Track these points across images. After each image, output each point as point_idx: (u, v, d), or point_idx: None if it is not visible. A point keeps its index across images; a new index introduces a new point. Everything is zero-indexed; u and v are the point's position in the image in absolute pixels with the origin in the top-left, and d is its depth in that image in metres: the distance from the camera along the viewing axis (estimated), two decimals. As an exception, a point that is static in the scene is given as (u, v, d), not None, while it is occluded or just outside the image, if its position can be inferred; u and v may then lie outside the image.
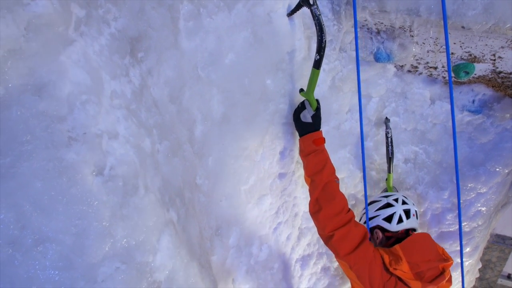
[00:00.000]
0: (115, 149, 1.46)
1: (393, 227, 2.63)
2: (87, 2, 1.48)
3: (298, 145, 2.97)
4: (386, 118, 3.18)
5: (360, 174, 3.44)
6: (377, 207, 2.77)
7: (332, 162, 3.25)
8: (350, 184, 3.47)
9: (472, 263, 4.18)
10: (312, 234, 3.59)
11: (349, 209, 2.47)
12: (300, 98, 2.54)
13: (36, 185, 1.24)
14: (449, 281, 2.46)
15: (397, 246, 2.40)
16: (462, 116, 3.18)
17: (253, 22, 2.25)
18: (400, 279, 2.36)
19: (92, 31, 1.49)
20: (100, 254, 1.33)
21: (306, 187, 3.16)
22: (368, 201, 2.85)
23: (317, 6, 2.21)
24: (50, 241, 1.23)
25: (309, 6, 2.22)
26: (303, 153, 2.55)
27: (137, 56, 1.70)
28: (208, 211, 2.29)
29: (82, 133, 1.37)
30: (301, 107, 2.52)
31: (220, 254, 2.47)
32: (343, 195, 2.49)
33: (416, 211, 2.75)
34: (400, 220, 2.64)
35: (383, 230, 2.68)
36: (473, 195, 3.35)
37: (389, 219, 2.67)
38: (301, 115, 2.50)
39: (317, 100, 2.48)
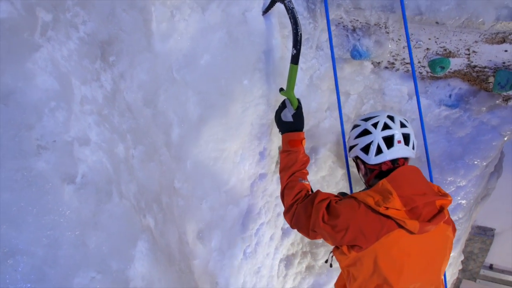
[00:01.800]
0: (87, 156, 1.42)
1: (371, 159, 2.18)
2: (53, 5, 1.44)
3: (278, 145, 2.96)
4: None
5: (341, 172, 3.45)
6: (356, 134, 2.28)
7: (313, 160, 3.27)
8: (331, 182, 3.48)
9: (454, 256, 4.23)
10: (295, 234, 3.59)
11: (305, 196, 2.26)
12: (280, 98, 2.51)
13: (4, 196, 1.20)
14: (449, 222, 2.12)
15: (383, 181, 2.02)
16: (440, 110, 3.21)
17: (228, 22, 2.22)
18: (394, 221, 1.95)
19: (60, 35, 1.45)
20: (74, 264, 1.29)
21: (288, 187, 3.17)
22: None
23: (291, 0, 2.21)
24: (21, 253, 1.19)
25: (282, 0, 2.21)
26: (281, 150, 2.51)
27: (108, 60, 1.66)
28: (188, 215, 2.27)
29: (51, 141, 1.33)
30: (282, 106, 2.48)
31: (202, 258, 2.45)
32: (300, 189, 2.28)
33: (405, 135, 2.19)
34: (379, 151, 2.15)
35: (364, 161, 2.25)
36: (453, 189, 3.39)
37: (366, 149, 2.21)
38: (282, 114, 2.45)
39: (298, 100, 2.45)
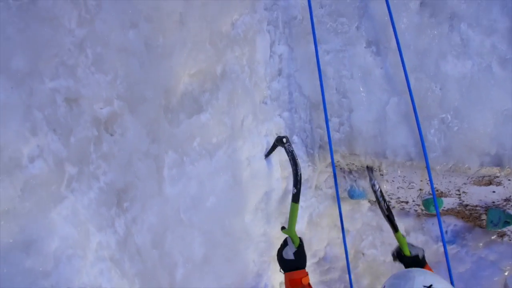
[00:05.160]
0: (97, 303, 1.47)
1: None
2: (79, 159, 1.60)
3: (280, 281, 2.96)
4: (367, 167, 2.80)
5: (344, 309, 3.38)
6: None
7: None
8: (334, 319, 3.39)
9: None
10: None
11: None
12: (282, 236, 2.58)
13: None
14: None
15: None
16: (437, 246, 3.26)
17: (233, 166, 2.41)
18: None
19: (83, 186, 1.59)
20: None
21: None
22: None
23: (290, 143, 2.39)
24: None
25: (283, 144, 2.40)
26: None
27: (123, 206, 1.78)
28: None
29: (65, 288, 1.40)
30: (284, 244, 2.52)
31: None
32: None
33: None
34: None
35: None
36: (459, 328, 3.29)
37: None
38: (284, 253, 2.48)
39: (300, 238, 2.50)
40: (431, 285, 1.77)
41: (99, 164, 1.69)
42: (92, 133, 1.65)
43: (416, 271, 1.94)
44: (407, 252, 2.47)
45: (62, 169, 1.52)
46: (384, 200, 2.58)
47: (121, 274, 1.63)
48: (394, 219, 2.56)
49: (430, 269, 2.39)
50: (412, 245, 2.53)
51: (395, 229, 2.55)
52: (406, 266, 2.46)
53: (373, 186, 2.66)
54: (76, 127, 1.58)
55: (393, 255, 2.55)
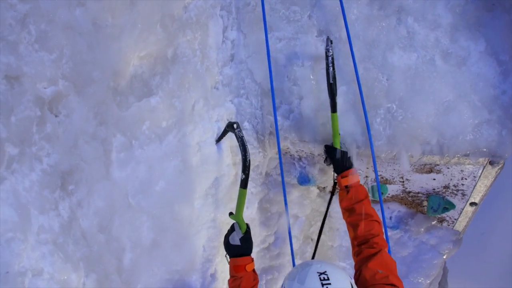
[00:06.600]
0: (39, 287, 1.43)
1: None
2: (21, 140, 1.54)
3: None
4: (328, 37, 2.61)
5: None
6: None
7: (263, 281, 3.29)
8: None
9: None
10: None
11: None
12: (231, 222, 2.60)
13: None
14: None
15: None
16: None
17: (183, 151, 2.39)
18: None
19: (24, 168, 1.53)
20: None
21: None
22: None
23: (240, 129, 2.41)
24: None
25: (233, 130, 2.41)
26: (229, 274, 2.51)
27: (67, 189, 1.73)
28: None
29: (4, 273, 1.35)
30: (231, 230, 2.54)
31: None
32: None
33: None
34: None
35: None
36: (399, 309, 3.44)
37: None
38: (230, 238, 2.50)
39: (247, 224, 2.53)
40: (325, 271, 1.80)
41: (43, 146, 1.63)
42: (35, 113, 1.59)
43: (315, 261, 2.02)
44: (337, 144, 2.58)
45: (1, 150, 1.46)
46: (334, 67, 2.51)
47: (64, 258, 1.59)
48: (336, 93, 2.52)
49: (355, 173, 2.49)
50: (344, 144, 2.67)
51: (333, 107, 2.54)
52: (332, 162, 2.58)
53: (327, 51, 2.53)
54: (17, 106, 1.52)
55: (325, 146, 2.65)
